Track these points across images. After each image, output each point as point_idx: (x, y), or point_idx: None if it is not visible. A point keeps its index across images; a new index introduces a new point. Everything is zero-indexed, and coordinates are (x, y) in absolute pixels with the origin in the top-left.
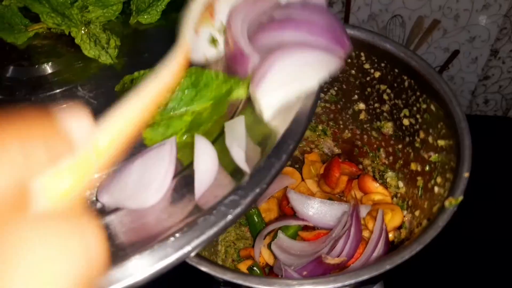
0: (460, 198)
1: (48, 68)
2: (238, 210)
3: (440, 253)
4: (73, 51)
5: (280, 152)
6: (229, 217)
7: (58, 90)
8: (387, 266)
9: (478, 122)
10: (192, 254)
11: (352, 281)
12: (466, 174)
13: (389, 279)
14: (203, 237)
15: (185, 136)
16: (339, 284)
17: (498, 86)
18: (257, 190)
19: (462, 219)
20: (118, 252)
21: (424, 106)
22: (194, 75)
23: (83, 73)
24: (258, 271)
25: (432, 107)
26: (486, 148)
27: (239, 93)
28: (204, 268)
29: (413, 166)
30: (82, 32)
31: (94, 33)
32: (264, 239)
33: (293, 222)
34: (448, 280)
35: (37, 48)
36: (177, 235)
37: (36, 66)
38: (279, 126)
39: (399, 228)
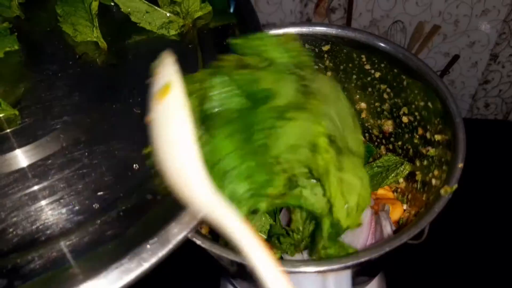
0: (455, 186)
1: None
2: None
3: (441, 253)
4: None
5: None
6: None
7: None
8: (387, 248)
9: (478, 126)
10: None
11: (355, 262)
12: (460, 165)
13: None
14: None
15: None
16: (342, 265)
17: (498, 90)
18: None
19: (467, 224)
20: None
21: (422, 103)
22: None
23: None
24: None
25: (430, 104)
26: (487, 151)
27: None
28: (216, 250)
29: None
30: None
31: None
32: None
33: None
34: (448, 278)
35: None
36: None
37: None
38: None
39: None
